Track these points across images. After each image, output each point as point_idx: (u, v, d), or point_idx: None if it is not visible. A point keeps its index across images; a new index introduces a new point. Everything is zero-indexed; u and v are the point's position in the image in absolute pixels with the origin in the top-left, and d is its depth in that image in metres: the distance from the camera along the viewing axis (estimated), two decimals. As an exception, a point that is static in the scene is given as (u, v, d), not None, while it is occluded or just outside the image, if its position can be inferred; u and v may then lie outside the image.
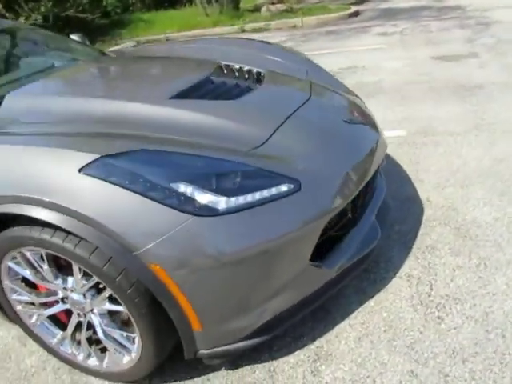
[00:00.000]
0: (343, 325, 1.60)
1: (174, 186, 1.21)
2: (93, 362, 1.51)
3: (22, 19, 8.42)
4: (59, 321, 1.54)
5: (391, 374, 1.40)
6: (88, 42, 3.07)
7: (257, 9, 10.14)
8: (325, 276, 1.46)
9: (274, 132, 1.52)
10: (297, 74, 2.16)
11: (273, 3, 9.58)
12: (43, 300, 1.48)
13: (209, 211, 1.20)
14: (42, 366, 1.65)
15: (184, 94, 1.70)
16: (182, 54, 2.47)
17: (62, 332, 1.52)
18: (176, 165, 1.27)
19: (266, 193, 1.30)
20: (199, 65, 2.13)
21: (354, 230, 1.60)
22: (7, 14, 8.17)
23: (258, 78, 1.96)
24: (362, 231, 1.62)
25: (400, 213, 2.17)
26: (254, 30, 8.61)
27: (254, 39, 2.89)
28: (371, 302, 1.68)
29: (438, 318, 1.57)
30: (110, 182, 1.19)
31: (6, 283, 1.47)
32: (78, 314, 1.45)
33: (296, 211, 1.31)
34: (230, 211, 1.23)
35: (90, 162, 1.22)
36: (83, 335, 1.48)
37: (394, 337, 1.53)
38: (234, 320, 1.32)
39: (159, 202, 1.18)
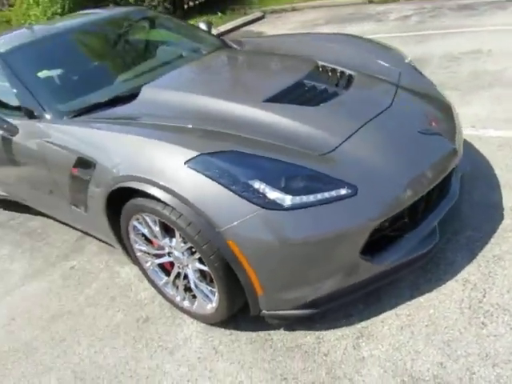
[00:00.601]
0: (390, 313, 1.83)
1: (251, 182, 1.55)
2: (186, 303, 1.98)
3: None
4: (165, 269, 2.03)
5: (421, 362, 1.61)
6: (213, 30, 3.47)
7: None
8: (373, 269, 1.69)
9: (345, 140, 1.75)
10: (388, 75, 2.29)
11: (407, -30, 9.01)
12: (155, 252, 1.97)
13: (275, 206, 1.52)
14: (151, 299, 2.19)
15: (276, 98, 2.00)
16: (289, 50, 2.72)
17: (166, 277, 2.02)
18: (255, 166, 1.60)
19: (326, 195, 1.56)
20: (299, 64, 2.38)
21: (412, 233, 1.77)
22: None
23: (349, 81, 2.16)
24: (420, 234, 1.78)
25: (477, 219, 2.22)
26: (382, 1, 8.29)
27: (354, 35, 3.00)
28: (421, 299, 1.86)
29: (482, 323, 1.71)
30: (204, 175, 1.57)
31: (132, 236, 1.99)
32: (178, 266, 1.91)
33: (348, 213, 1.56)
34: (293, 207, 1.53)
35: (193, 158, 1.61)
36: (181, 282, 1.95)
37: (434, 332, 1.71)
38: (290, 291, 1.65)
39: (238, 195, 1.53)
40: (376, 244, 1.69)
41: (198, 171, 1.59)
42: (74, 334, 2.11)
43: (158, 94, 2.24)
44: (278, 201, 1.53)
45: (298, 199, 1.54)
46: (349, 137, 1.77)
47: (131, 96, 2.29)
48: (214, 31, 8.16)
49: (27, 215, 3.28)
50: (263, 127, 1.84)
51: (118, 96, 2.33)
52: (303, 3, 9.39)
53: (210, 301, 1.84)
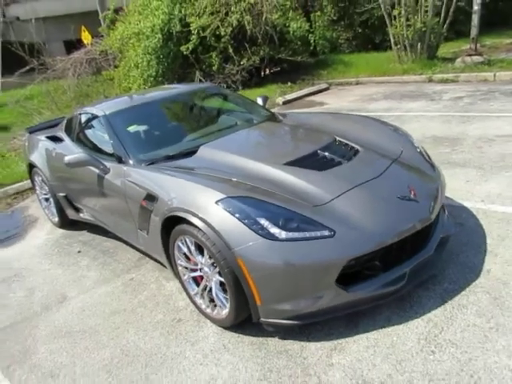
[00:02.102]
0: (362, 336, 2.31)
1: (258, 219, 2.19)
2: (209, 310, 2.61)
3: (244, 60, 10.59)
4: (197, 281, 2.69)
5: (375, 372, 2.07)
6: (267, 105, 4.27)
7: (454, 58, 10.23)
8: (348, 296, 2.21)
9: (336, 197, 2.36)
10: (390, 152, 2.88)
11: (469, 55, 9.56)
12: (191, 267, 2.65)
13: (273, 237, 2.15)
14: (185, 306, 2.84)
15: (294, 162, 2.68)
16: (318, 124, 3.43)
17: (197, 288, 2.67)
18: (264, 208, 2.25)
19: (312, 234, 2.16)
20: (319, 138, 3.07)
21: (384, 274, 2.28)
22: (235, 56, 10.44)
23: (354, 154, 2.79)
24: (390, 276, 2.29)
25: (456, 275, 2.65)
26: (441, 81, 8.86)
27: (368, 117, 3.65)
28: (390, 328, 2.32)
29: (432, 351, 2.14)
30: (227, 211, 2.25)
31: (176, 253, 2.69)
32: (206, 280, 2.56)
33: (326, 249, 2.14)
34: (286, 240, 2.14)
35: (221, 198, 2.31)
36: (206, 294, 2.59)
37: (392, 353, 2.17)
38: (282, 304, 2.22)
39: (248, 227, 2.18)
40: (353, 277, 2.23)
41: (223, 208, 2.27)
42: (126, 325, 2.80)
43: (211, 152, 3.02)
44: (276, 234, 2.15)
45: (290, 234, 2.15)
46: (339, 195, 2.38)
47: (192, 152, 3.09)
48: (281, 99, 9.22)
49: (104, 237, 4.15)
50: (279, 182, 2.51)
51: (182, 152, 3.14)
52: (368, 78, 10.24)
53: (225, 307, 2.44)
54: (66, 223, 4.48)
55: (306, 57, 12.32)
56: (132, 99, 3.98)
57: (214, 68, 10.56)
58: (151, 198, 2.77)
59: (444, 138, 5.24)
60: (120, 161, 3.22)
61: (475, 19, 9.22)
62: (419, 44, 9.98)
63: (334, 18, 14.69)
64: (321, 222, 2.21)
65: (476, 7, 9.09)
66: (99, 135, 3.66)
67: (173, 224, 2.57)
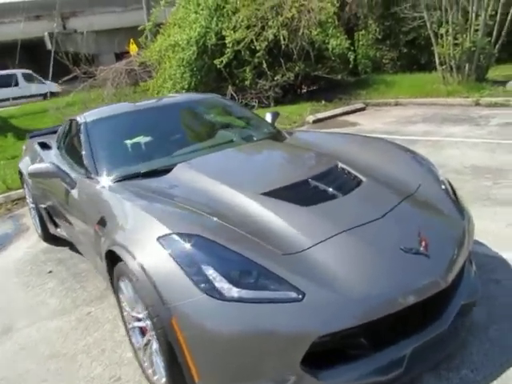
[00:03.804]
0: None
1: (204, 268, 1.63)
2: (150, 371, 2.03)
3: (279, 76, 10.13)
4: (143, 332, 2.14)
5: None
6: (275, 123, 3.71)
7: (506, 81, 9.30)
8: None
9: (316, 244, 1.76)
10: (403, 185, 2.25)
11: (525, 77, 8.65)
12: (135, 314, 2.11)
13: (218, 295, 1.57)
14: (131, 360, 2.28)
15: (275, 192, 2.10)
16: (324, 147, 2.83)
17: (141, 341, 2.11)
18: (214, 253, 1.69)
19: (272, 294, 1.58)
20: (318, 163, 2.48)
21: (373, 356, 1.65)
22: (268, 72, 10.01)
23: (355, 187, 2.18)
24: (382, 360, 1.65)
25: (481, 359, 1.96)
26: (489, 105, 7.99)
27: (387, 140, 2.97)
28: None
29: None
30: (167, 252, 1.71)
31: (120, 295, 2.17)
32: (150, 334, 2.01)
33: (289, 318, 1.54)
34: (236, 300, 1.57)
35: (165, 235, 1.77)
36: (148, 350, 2.03)
37: None
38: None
39: (188, 277, 1.62)
40: (327, 358, 1.61)
41: (164, 247, 1.73)
42: (57, 376, 2.29)
43: (187, 172, 2.50)
44: (223, 291, 1.58)
45: (243, 293, 1.58)
46: (320, 242, 1.77)
47: (166, 171, 2.58)
48: (311, 117, 8.65)
49: (82, 257, 3.71)
50: (248, 218, 1.94)
51: (156, 169, 2.64)
52: (408, 99, 9.48)
53: (162, 376, 1.88)
54: (49, 237, 4.09)
55: (345, 75, 11.72)
56: (123, 107, 3.57)
57: (247, 83, 10.18)
58: (103, 222, 2.28)
59: (486, 168, 4.47)
60: (87, 174, 2.77)
61: (532, 39, 8.31)
62: (467, 65, 9.15)
63: (379, 36, 14.02)
64: (288, 278, 1.62)
65: (534, 26, 8.20)
66: (77, 144, 3.25)
67: (116, 259, 2.07)
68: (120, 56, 13.75)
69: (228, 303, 1.56)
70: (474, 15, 8.84)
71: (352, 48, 12.45)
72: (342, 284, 1.62)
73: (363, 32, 14.35)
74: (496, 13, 8.77)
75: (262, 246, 1.76)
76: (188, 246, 1.72)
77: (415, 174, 2.41)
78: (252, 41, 9.59)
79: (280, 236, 1.82)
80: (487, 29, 8.95)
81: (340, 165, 2.42)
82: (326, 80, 11.01)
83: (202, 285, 1.60)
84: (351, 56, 11.55)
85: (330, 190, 2.12)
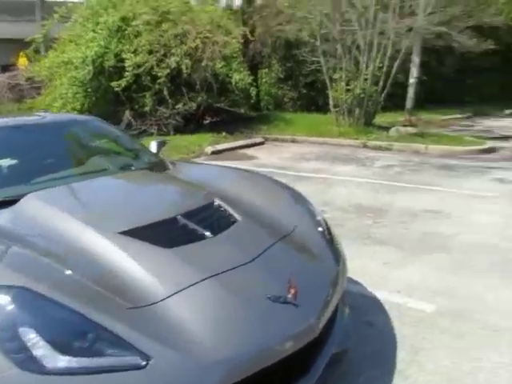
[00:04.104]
0: None
1: (22, 331, 1.30)
2: None
3: (180, 105, 9.95)
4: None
5: None
6: (160, 152, 3.45)
7: (390, 127, 10.20)
8: None
9: (173, 294, 1.54)
10: (278, 225, 2.15)
11: (404, 125, 9.56)
12: None
13: (37, 367, 1.25)
14: None
15: (135, 231, 1.83)
16: (204, 181, 2.65)
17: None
18: (40, 312, 1.37)
19: (108, 361, 1.30)
20: (192, 198, 2.30)
21: None
22: (169, 100, 9.78)
23: (227, 226, 2.01)
24: None
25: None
26: (375, 148, 8.65)
27: (269, 177, 2.92)
28: None
29: None
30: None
31: None
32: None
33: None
34: (60, 371, 1.26)
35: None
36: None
37: None
38: None
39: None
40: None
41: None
42: None
43: (36, 205, 2.11)
44: (45, 360, 1.26)
45: (73, 361, 1.28)
46: (178, 291, 1.55)
47: (14, 201, 2.18)
48: (210, 148, 8.56)
49: None
50: (97, 262, 1.65)
51: (3, 199, 2.22)
52: (304, 137, 9.90)
53: None
54: None
55: (247, 110, 11.99)
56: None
57: (147, 109, 9.83)
58: None
59: (368, 207, 4.68)
60: None
61: (411, 92, 9.32)
62: (357, 109, 9.88)
63: (281, 76, 14.67)
64: (131, 339, 1.35)
65: (412, 80, 9.21)
66: None
67: None
68: (6, 68, 12.54)
69: (50, 377, 1.25)
70: (364, 65, 9.65)
71: (255, 84, 12.83)
72: (197, 344, 1.41)
73: (267, 70, 14.89)
74: (383, 65, 9.67)
75: (106, 298, 1.48)
76: (5, 301, 1.38)
77: (293, 214, 2.34)
78: (153, 66, 9.33)
79: (133, 285, 1.56)
80: (375, 78, 9.81)
81: (217, 201, 2.25)
82: (229, 113, 11.14)
83: (16, 355, 1.26)
84: (253, 91, 11.88)
85: (200, 229, 1.92)
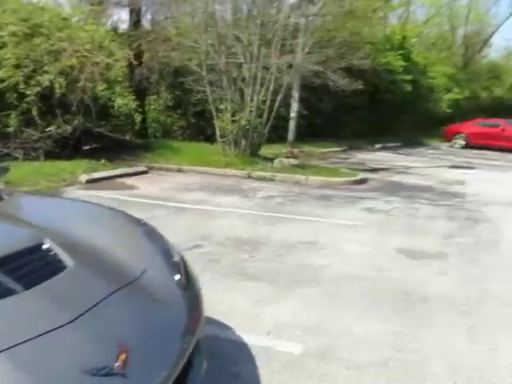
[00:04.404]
0: None
1: None
2: None
3: (52, 127, 9.02)
4: None
5: None
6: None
7: (274, 158, 10.48)
8: None
9: None
10: (125, 271, 1.82)
11: (287, 157, 9.89)
12: None
13: None
14: None
15: None
16: (39, 216, 2.22)
17: None
18: None
19: None
20: (14, 239, 1.84)
21: None
22: (39, 121, 8.83)
23: (54, 273, 1.63)
24: None
25: None
26: (259, 178, 8.75)
27: (119, 211, 2.58)
28: None
29: None
30: None
31: None
32: None
33: None
34: None
35: None
36: None
37: None
38: None
39: None
40: None
41: None
42: None
43: None
44: None
45: None
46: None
47: None
48: (85, 176, 7.83)
49: None
50: None
51: None
52: (190, 166, 9.65)
53: None
54: None
55: (132, 136, 11.41)
56: None
57: (11, 129, 8.73)
58: None
59: (247, 240, 4.55)
60: None
61: (292, 125, 9.72)
62: (243, 140, 10.00)
63: (170, 104, 14.38)
64: None
65: (292, 114, 9.61)
66: None
67: None
68: None
69: None
70: (249, 98, 9.86)
71: (140, 110, 12.37)
72: None
73: (155, 97, 14.49)
74: (266, 99, 9.98)
75: None
76: None
77: (143, 255, 2.02)
78: (19, 83, 8.38)
79: None
80: (260, 111, 10.06)
81: (47, 243, 1.84)
82: (112, 139, 10.44)
83: None
84: (138, 117, 11.41)
85: (9, 281, 1.51)
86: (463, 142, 16.22)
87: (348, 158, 12.26)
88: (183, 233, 4.43)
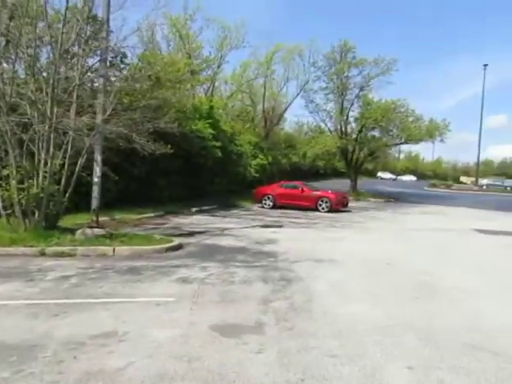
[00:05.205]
0: None
1: None
2: None
3: None
4: None
5: None
6: None
7: (78, 229, 9.08)
8: None
9: None
10: None
11: (91, 227, 8.64)
12: None
13: None
14: None
15: None
16: None
17: None
18: None
19: None
20: None
21: None
22: None
23: None
24: None
25: None
26: (56, 254, 7.30)
27: None
28: None
29: None
30: None
31: None
32: None
33: None
34: None
35: None
36: None
37: None
38: None
39: None
40: None
41: None
42: None
43: None
44: None
45: None
46: None
47: None
48: None
49: None
50: None
51: None
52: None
53: None
54: None
55: None
56: None
57: None
58: None
59: (15, 347, 3.31)
60: None
61: (95, 191, 8.64)
62: (36, 211, 8.40)
63: None
64: None
65: (96, 179, 8.59)
66: None
67: None
68: None
69: None
70: (42, 162, 8.45)
71: None
72: None
73: None
74: (64, 163, 8.73)
75: None
76: None
77: None
78: None
79: None
80: (56, 177, 8.70)
81: None
82: None
83: None
84: None
85: None
86: (271, 203, 17.40)
87: (164, 224, 11.60)
88: None
